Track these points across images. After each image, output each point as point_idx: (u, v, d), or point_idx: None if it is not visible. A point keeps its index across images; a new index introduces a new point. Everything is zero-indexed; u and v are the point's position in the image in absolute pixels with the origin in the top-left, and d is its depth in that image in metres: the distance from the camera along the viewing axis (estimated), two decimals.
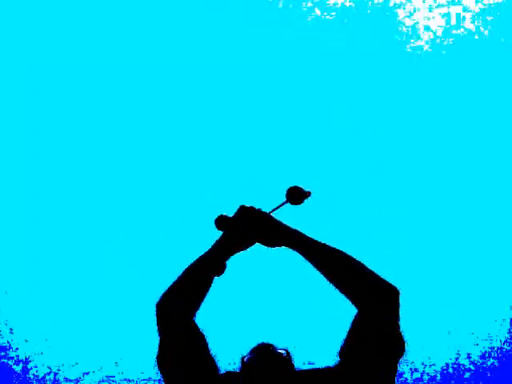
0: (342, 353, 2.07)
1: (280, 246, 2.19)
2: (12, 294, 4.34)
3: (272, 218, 2.19)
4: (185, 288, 2.14)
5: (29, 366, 4.32)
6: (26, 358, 4.32)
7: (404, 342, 2.06)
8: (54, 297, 4.34)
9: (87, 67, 4.46)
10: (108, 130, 4.45)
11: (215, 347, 2.14)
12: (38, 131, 4.46)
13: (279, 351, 2.15)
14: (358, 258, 2.12)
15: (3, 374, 4.31)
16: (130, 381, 4.29)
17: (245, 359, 2.15)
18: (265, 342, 2.17)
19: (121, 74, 4.46)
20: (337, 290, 2.13)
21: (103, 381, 4.30)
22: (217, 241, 2.19)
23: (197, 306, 2.15)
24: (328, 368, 2.09)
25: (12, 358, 4.32)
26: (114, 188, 4.41)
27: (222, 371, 2.13)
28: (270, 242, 2.19)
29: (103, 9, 4.48)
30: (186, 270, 2.17)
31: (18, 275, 4.36)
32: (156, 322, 2.13)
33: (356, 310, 2.10)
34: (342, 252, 2.14)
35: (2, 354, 4.33)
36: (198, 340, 2.11)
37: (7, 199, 4.41)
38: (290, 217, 2.21)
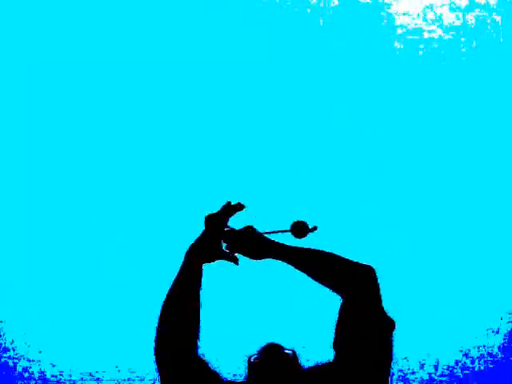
0: (336, 343, 2.08)
1: (266, 258, 2.21)
2: (11, 294, 4.35)
3: (258, 233, 2.20)
4: (177, 320, 2.09)
5: (28, 366, 4.33)
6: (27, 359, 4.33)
7: (390, 317, 2.07)
8: (53, 297, 4.34)
9: (85, 66, 4.47)
10: (101, 129, 4.46)
11: (220, 349, 2.15)
12: (36, 131, 4.47)
13: (286, 351, 2.16)
14: (327, 250, 2.15)
15: (3, 374, 4.32)
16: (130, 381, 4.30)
17: (251, 359, 2.15)
18: (271, 342, 2.18)
19: (115, 72, 4.47)
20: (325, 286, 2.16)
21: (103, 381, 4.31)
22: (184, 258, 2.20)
23: (196, 335, 2.10)
24: (329, 363, 2.09)
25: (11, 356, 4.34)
26: (104, 190, 4.41)
27: (226, 379, 2.14)
28: (257, 256, 2.21)
29: (101, 8, 4.50)
30: (168, 299, 2.13)
31: (17, 275, 4.37)
32: (157, 367, 2.08)
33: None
34: (316, 251, 2.16)
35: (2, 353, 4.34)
36: (208, 374, 2.10)
37: (7, 199, 4.41)
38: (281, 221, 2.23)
